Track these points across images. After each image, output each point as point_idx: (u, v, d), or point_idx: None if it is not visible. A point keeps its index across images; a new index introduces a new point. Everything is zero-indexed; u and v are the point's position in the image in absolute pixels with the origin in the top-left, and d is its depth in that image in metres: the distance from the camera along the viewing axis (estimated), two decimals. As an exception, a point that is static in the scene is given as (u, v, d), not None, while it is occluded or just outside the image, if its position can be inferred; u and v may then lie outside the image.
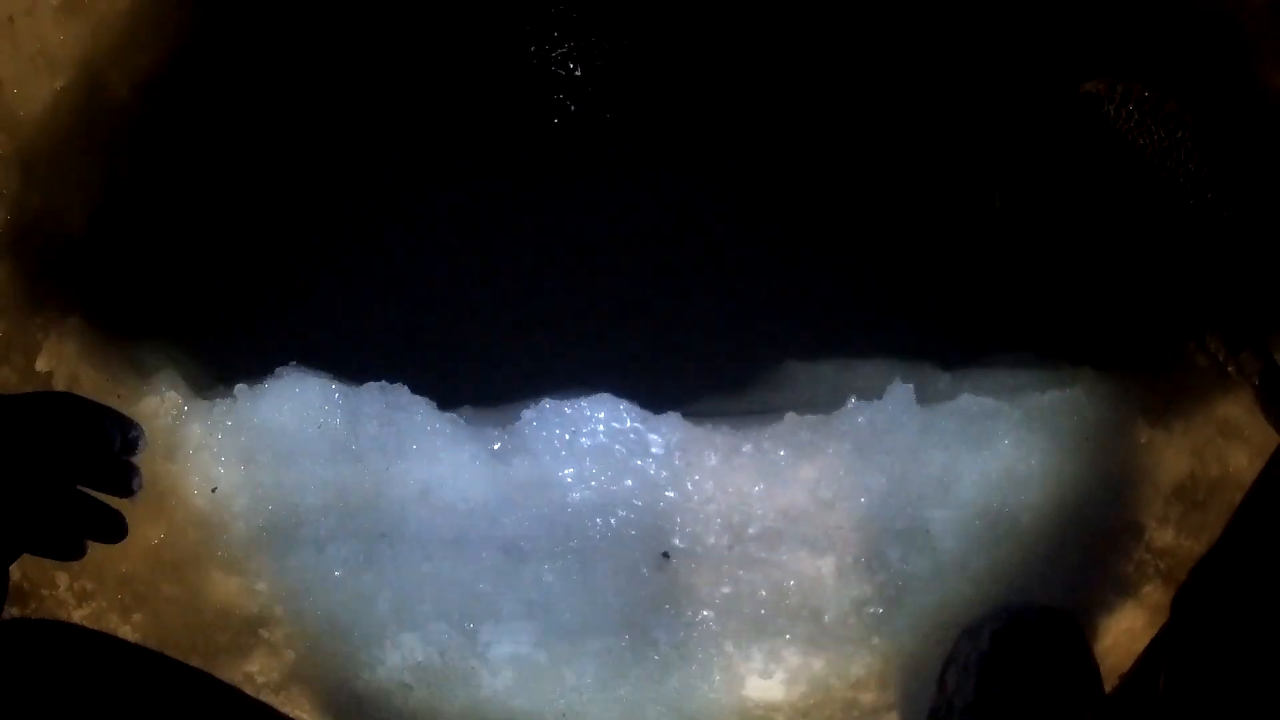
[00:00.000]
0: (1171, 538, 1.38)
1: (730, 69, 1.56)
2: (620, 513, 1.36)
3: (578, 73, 1.59)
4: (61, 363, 1.39)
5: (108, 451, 0.91)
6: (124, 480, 0.93)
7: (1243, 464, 1.36)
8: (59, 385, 1.38)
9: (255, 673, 1.37)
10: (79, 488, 0.90)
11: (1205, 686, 0.96)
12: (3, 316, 1.40)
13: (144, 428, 0.96)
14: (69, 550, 0.91)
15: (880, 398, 1.38)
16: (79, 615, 1.36)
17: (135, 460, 0.95)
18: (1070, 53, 1.45)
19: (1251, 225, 1.34)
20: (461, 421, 1.39)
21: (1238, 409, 1.38)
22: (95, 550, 1.32)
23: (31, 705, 0.85)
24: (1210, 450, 1.38)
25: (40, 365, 1.39)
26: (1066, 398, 1.40)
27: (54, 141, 1.42)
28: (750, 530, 1.36)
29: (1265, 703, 0.90)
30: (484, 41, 1.58)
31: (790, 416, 1.38)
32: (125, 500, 0.93)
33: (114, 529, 0.92)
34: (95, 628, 1.23)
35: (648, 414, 1.39)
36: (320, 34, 1.54)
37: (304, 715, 1.37)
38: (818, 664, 1.35)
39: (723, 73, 1.56)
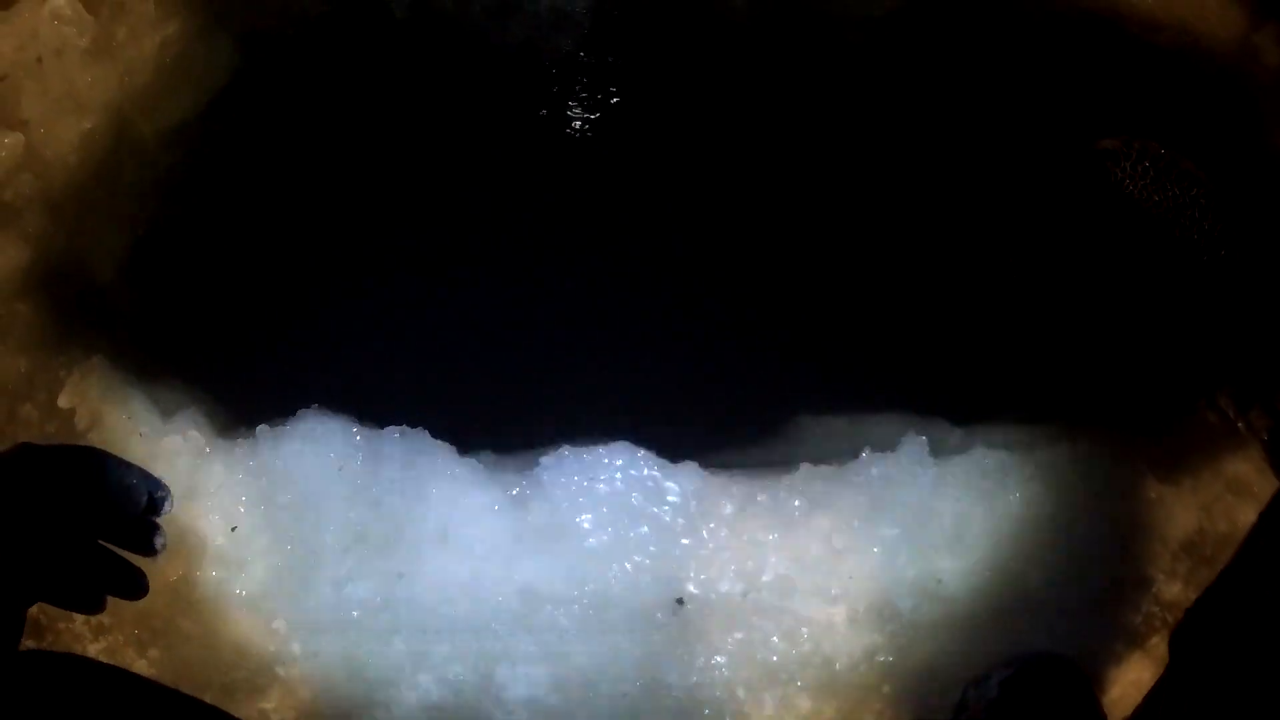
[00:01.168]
0: (1179, 591, 1.39)
1: (748, 128, 1.57)
2: (636, 559, 1.36)
3: (599, 124, 1.60)
4: (84, 401, 1.39)
5: (133, 510, 0.91)
6: (147, 539, 0.93)
7: (1251, 521, 1.35)
8: (81, 423, 1.38)
9: (270, 710, 1.37)
10: (102, 543, 0.91)
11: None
12: (26, 354, 1.40)
13: (169, 482, 0.96)
14: (88, 604, 0.91)
15: (894, 450, 1.39)
16: (95, 649, 1.36)
17: (160, 520, 0.95)
18: (1087, 110, 1.46)
19: (1263, 283, 1.36)
20: (481, 466, 1.40)
21: (1247, 466, 1.39)
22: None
23: None
24: (1219, 507, 1.40)
25: (63, 402, 1.39)
26: (1077, 453, 1.41)
27: (81, 182, 1.42)
28: (764, 578, 1.36)
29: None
30: (513, 96, 1.59)
31: (805, 467, 1.39)
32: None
33: (133, 586, 0.93)
34: (111, 662, 1.23)
35: (665, 462, 1.39)
36: (344, 88, 1.55)
37: (318, 754, 1.37)
38: (829, 711, 1.35)
39: (740, 131, 1.57)
